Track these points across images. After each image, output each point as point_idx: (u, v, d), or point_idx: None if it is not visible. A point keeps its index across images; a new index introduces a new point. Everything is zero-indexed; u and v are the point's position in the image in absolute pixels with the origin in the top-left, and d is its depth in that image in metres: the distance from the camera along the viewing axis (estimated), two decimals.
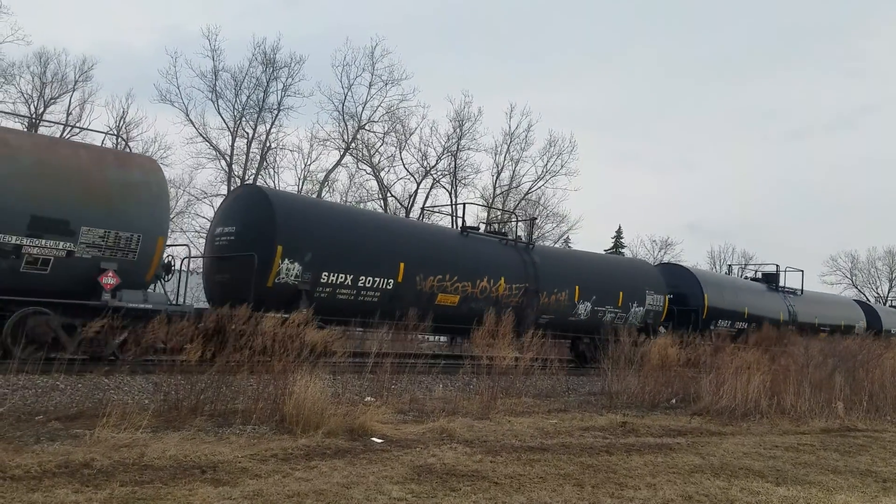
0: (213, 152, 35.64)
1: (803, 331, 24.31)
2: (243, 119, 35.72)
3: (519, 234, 20.74)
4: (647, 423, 10.68)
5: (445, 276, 16.08)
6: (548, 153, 40.71)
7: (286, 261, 13.31)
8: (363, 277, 14.50)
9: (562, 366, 14.65)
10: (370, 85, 36.84)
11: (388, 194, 37.95)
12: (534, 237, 18.68)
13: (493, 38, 74.39)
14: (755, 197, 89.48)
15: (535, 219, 36.38)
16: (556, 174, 40.84)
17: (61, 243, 11.14)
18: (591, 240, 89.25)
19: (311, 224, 14.22)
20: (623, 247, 52.00)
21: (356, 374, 11.66)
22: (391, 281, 14.99)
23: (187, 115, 35.13)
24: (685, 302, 22.60)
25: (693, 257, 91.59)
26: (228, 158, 35.40)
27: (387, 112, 37.34)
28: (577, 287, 18.96)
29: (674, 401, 13.58)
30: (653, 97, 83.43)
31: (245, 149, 35.93)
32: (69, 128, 32.63)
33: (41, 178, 11.14)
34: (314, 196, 32.98)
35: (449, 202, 38.32)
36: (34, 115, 33.96)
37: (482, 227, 21.67)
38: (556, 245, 40.01)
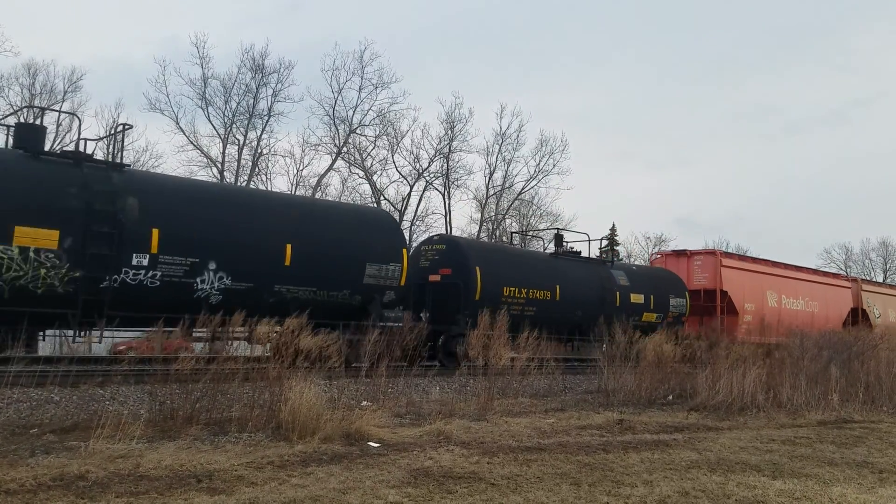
0: (205, 160, 35.59)
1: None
2: (234, 126, 35.71)
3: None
4: (643, 420, 10.70)
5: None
6: (539, 153, 40.81)
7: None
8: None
9: (558, 365, 14.66)
10: (360, 89, 36.91)
11: (382, 198, 37.94)
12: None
13: (485, 40, 74.42)
14: (748, 191, 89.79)
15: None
16: (549, 173, 40.96)
17: None
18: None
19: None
20: (617, 244, 51.94)
21: (352, 378, 11.65)
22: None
23: (177, 124, 35.09)
24: None
25: None
26: (220, 165, 35.36)
27: (378, 115, 37.40)
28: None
29: (670, 397, 13.61)
30: (645, 96, 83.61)
31: (236, 155, 35.90)
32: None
33: None
34: None
35: (442, 203, 38.39)
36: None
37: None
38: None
